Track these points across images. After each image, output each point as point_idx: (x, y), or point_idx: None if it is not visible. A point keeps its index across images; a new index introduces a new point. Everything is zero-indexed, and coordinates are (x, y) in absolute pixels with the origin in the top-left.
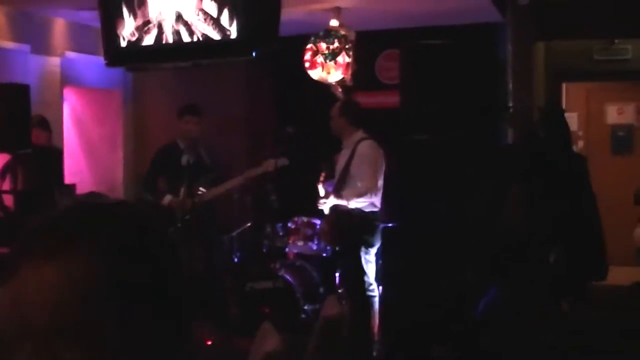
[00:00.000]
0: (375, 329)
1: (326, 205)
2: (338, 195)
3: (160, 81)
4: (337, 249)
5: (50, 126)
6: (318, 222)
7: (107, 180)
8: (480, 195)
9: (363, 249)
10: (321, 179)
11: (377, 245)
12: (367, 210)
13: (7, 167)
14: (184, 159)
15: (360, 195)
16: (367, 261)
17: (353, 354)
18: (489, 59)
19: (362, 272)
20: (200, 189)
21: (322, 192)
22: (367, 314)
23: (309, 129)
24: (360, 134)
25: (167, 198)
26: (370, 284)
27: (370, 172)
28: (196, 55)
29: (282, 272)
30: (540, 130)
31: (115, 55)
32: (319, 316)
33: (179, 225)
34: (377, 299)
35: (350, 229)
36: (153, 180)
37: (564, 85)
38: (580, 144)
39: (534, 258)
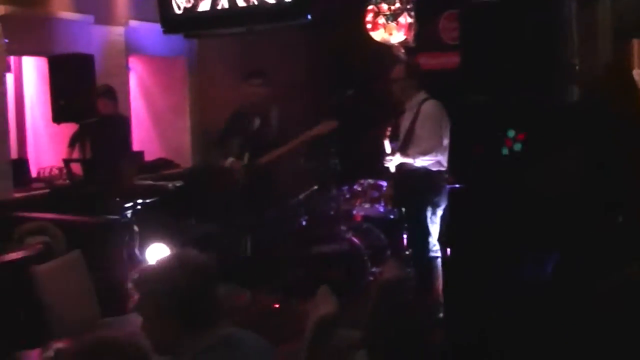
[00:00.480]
0: (440, 290)
1: (392, 162)
2: (404, 153)
3: (223, 48)
4: (403, 210)
5: (116, 95)
6: (384, 184)
7: (174, 147)
8: (543, 158)
9: (430, 209)
10: (387, 134)
11: (443, 205)
12: (433, 169)
13: (76, 136)
14: (255, 123)
15: (425, 152)
16: (432, 222)
17: (417, 315)
18: (552, 15)
19: (427, 233)
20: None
21: (388, 148)
22: (431, 276)
23: (370, 91)
24: (423, 94)
25: (229, 160)
26: (434, 245)
27: (434, 130)
28: (251, 20)
29: (349, 235)
30: (603, 87)
31: (172, 22)
32: (379, 279)
33: (240, 187)
34: (439, 260)
35: (416, 190)
36: (225, 142)
37: (634, 42)
38: None
39: (593, 223)
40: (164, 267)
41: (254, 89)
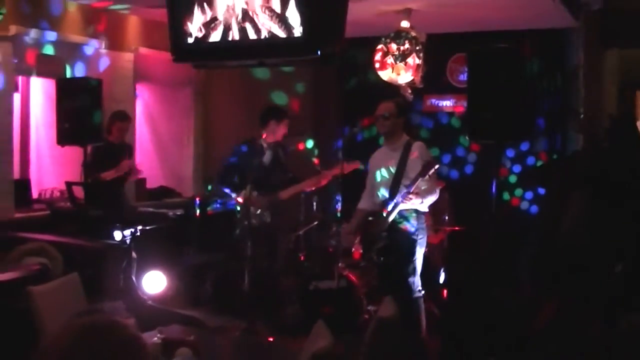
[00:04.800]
0: (424, 329)
1: (393, 213)
2: (405, 197)
3: (231, 79)
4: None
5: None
6: None
7: (176, 176)
8: (544, 202)
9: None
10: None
11: (424, 246)
12: (422, 210)
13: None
14: (267, 158)
15: (431, 192)
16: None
17: (406, 354)
18: (558, 64)
19: (409, 274)
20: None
21: (389, 207)
22: (414, 315)
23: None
24: (406, 135)
25: (242, 194)
26: (417, 285)
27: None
28: (262, 53)
29: (346, 272)
30: (608, 138)
31: (182, 51)
32: (375, 317)
33: (252, 221)
34: (422, 300)
35: (407, 233)
36: (231, 175)
37: (638, 94)
38: None
39: (594, 270)
40: None
41: (283, 129)
